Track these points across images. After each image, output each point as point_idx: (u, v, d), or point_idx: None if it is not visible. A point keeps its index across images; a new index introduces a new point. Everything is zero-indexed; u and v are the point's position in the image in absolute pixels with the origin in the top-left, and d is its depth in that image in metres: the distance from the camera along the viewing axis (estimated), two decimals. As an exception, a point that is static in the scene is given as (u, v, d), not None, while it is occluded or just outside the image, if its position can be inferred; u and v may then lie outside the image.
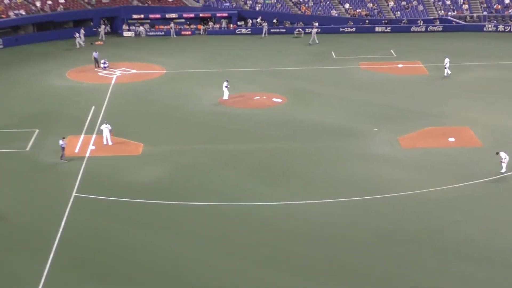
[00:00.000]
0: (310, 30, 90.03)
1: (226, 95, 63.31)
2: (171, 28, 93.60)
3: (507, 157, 46.07)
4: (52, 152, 51.18)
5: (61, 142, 49.70)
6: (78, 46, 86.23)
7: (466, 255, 36.60)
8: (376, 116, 58.27)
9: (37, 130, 55.62)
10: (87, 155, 50.81)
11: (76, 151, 51.60)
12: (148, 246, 37.94)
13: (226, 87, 63.32)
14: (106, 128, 52.55)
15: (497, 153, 46.62)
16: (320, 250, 37.34)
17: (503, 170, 46.05)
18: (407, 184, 45.08)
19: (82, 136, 54.42)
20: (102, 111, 60.51)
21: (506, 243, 37.74)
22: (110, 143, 52.40)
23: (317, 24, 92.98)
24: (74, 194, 44.35)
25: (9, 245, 38.36)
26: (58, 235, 38.90)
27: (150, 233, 39.38)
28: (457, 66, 74.01)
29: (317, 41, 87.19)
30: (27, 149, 52.26)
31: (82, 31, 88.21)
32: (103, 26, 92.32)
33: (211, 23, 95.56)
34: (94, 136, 54.06)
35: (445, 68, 70.71)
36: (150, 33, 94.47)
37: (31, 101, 64.98)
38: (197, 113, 60.48)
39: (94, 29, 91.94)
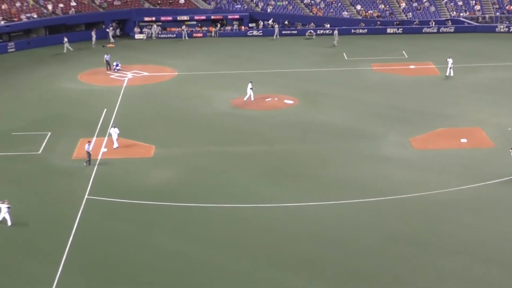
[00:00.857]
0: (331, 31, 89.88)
1: (252, 97, 63.63)
2: (182, 30, 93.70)
3: None
4: (64, 155, 51.43)
5: (87, 146, 49.72)
6: (65, 51, 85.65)
7: (478, 256, 36.47)
8: (388, 117, 58.21)
9: (49, 133, 55.80)
10: (99, 157, 50.92)
11: (88, 153, 51.84)
12: (160, 249, 37.99)
13: (251, 88, 63.51)
14: (114, 132, 52.66)
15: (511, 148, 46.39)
16: (330, 252, 37.32)
17: None
18: (419, 185, 44.99)
19: (94, 138, 54.53)
20: (114, 114, 60.67)
21: (518, 245, 37.66)
22: (115, 145, 52.48)
23: (328, 25, 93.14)
24: (86, 196, 44.48)
25: (22, 248, 38.50)
26: (71, 238, 39.02)
27: (162, 235, 39.46)
28: (469, 67, 73.90)
29: (336, 44, 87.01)
30: (40, 152, 52.43)
31: (92, 33, 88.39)
32: (111, 28, 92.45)
33: (218, 25, 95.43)
34: (106, 138, 54.16)
35: (449, 68, 70.63)
36: (162, 36, 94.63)
37: (43, 104, 65.21)
38: (208, 115, 60.58)
39: (107, 30, 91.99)
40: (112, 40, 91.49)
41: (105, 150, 52.21)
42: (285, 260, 36.65)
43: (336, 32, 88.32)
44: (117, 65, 75.93)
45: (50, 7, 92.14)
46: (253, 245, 38.18)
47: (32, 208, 43.27)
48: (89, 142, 50.57)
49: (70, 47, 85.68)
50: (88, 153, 49.45)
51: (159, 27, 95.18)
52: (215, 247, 38.08)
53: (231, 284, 34.71)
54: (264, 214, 41.88)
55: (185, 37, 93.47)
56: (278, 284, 34.59)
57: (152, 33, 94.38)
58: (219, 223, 40.83)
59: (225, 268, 36.05)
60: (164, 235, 39.48)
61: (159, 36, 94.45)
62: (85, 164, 49.37)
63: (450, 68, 70.57)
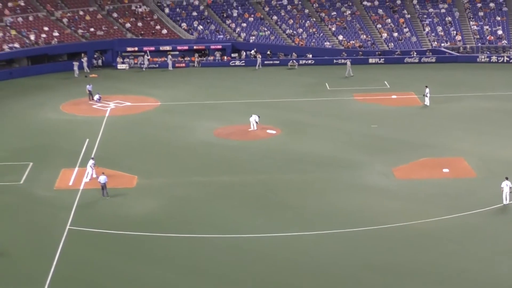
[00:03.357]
0: (345, 61, 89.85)
1: (252, 126, 63.88)
2: (168, 60, 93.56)
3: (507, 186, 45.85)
4: (47, 185, 51.15)
5: (101, 177, 49.22)
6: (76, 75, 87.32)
7: (461, 286, 36.44)
8: (371, 147, 58.35)
9: (31, 163, 55.51)
10: (81, 188, 50.69)
11: (70, 183, 51.52)
12: (143, 279, 37.74)
13: (256, 122, 63.82)
14: (91, 164, 52.37)
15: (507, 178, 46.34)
16: (315, 282, 37.18)
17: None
18: (402, 215, 45.02)
19: (76, 168, 54.34)
20: (96, 144, 60.50)
21: (501, 273, 37.64)
22: (94, 175, 52.07)
23: (311, 55, 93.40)
24: (68, 227, 44.18)
25: (3, 280, 38.07)
26: (52, 269, 38.69)
27: (144, 266, 39.18)
28: (451, 97, 74.35)
29: (351, 74, 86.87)
30: (21, 182, 52.14)
31: (74, 63, 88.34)
32: (85, 58, 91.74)
33: (196, 55, 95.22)
34: (88, 169, 53.81)
35: (426, 97, 71.13)
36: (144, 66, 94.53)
37: (25, 134, 64.94)
38: (191, 145, 60.52)
39: (82, 60, 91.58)
40: (87, 70, 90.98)
41: (87, 180, 51.93)
42: (269, 290, 36.53)
43: (348, 62, 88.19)
44: (98, 97, 75.79)
45: (32, 37, 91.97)
46: (237, 276, 38.02)
47: (13, 239, 42.89)
48: (103, 173, 50.02)
49: (77, 71, 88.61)
50: (103, 185, 48.92)
51: (146, 56, 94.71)
52: (200, 278, 37.86)
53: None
54: (248, 244, 41.73)
55: (170, 67, 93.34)
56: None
57: (144, 63, 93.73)
58: (204, 254, 40.62)
59: (209, 299, 35.88)
60: (147, 266, 39.18)
61: (143, 66, 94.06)
62: (107, 197, 48.88)
63: (427, 97, 71.04)
